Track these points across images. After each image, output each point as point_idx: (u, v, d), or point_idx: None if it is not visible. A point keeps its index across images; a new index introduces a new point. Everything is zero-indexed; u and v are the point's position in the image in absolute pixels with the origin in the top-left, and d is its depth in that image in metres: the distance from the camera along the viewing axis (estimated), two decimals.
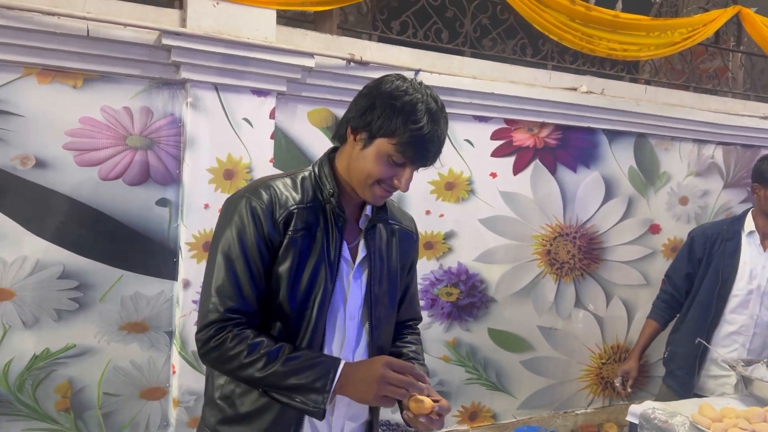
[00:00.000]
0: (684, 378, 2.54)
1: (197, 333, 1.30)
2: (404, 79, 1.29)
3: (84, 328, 2.45)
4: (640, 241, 3.73)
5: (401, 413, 1.31)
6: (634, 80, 3.73)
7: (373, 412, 1.48)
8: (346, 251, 1.37)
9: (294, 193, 1.33)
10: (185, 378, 2.57)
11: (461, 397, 3.34)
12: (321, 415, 1.24)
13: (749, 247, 2.48)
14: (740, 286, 2.45)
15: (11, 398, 2.37)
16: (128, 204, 2.47)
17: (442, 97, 1.32)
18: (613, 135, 3.54)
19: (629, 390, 2.63)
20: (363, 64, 2.74)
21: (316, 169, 1.38)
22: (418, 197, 3.05)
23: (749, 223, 2.49)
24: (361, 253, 1.40)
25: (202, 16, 2.44)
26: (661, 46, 3.48)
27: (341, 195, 1.36)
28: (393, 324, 1.50)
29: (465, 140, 3.12)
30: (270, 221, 1.29)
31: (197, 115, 2.48)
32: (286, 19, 2.81)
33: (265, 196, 1.30)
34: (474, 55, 3.14)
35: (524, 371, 3.48)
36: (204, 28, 2.42)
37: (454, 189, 3.15)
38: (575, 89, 3.35)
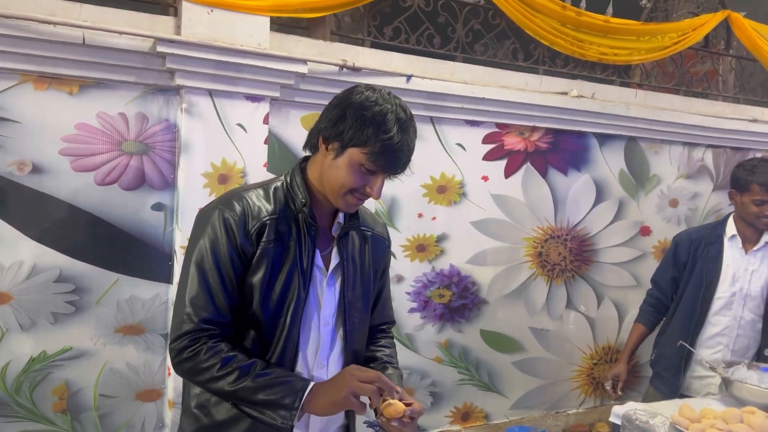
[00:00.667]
0: (670, 379, 2.57)
1: (171, 342, 1.33)
2: (374, 89, 1.32)
3: (80, 331, 2.48)
4: (631, 243, 3.77)
5: (376, 417, 1.35)
6: (625, 84, 3.76)
7: (350, 416, 1.51)
8: (318, 259, 1.39)
9: (266, 204, 1.35)
10: (180, 380, 2.57)
11: (454, 397, 3.37)
12: (289, 430, 1.30)
13: (731, 250, 2.51)
14: (723, 288, 2.48)
15: (9, 400, 2.40)
16: (124, 208, 2.50)
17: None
18: (604, 138, 3.58)
19: (620, 393, 2.67)
20: (355, 70, 2.78)
21: (288, 179, 1.40)
22: (411, 200, 3.08)
23: (731, 227, 2.52)
24: (334, 260, 1.42)
25: (197, 24, 2.47)
26: (652, 51, 3.53)
27: (313, 203, 1.38)
28: (367, 328, 1.53)
29: (457, 144, 3.14)
30: (243, 232, 1.31)
31: (192, 120, 2.52)
32: (280, 25, 2.84)
33: (237, 207, 1.32)
34: (466, 60, 3.16)
35: (516, 372, 3.52)
36: (198, 36, 2.46)
37: (446, 192, 3.19)
38: (566, 93, 3.38)
